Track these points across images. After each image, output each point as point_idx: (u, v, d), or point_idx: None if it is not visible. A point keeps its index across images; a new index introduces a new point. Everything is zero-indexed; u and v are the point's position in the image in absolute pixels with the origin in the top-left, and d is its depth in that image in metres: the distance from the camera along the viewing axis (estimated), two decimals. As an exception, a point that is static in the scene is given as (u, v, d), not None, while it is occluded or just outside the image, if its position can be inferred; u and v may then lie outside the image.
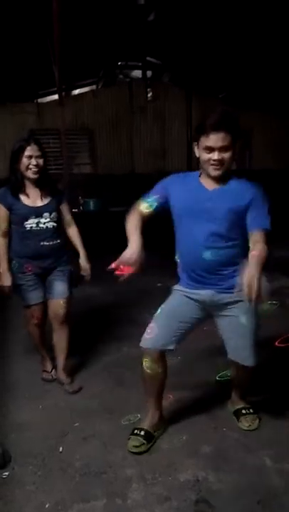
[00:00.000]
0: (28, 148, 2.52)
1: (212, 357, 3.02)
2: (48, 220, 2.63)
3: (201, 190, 2.01)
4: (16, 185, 2.59)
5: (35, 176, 2.56)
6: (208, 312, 2.17)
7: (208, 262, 2.01)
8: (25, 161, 2.52)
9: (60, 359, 2.82)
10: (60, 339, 2.80)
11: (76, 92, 9.92)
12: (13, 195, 2.59)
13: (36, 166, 2.54)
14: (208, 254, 1.99)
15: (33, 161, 2.53)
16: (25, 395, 2.74)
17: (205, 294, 2.07)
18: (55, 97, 7.46)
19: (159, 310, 2.18)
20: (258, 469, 2.01)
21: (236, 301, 2.04)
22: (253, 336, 2.12)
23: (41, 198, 2.63)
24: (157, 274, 4.40)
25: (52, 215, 2.64)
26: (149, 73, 9.42)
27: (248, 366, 2.17)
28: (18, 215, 2.59)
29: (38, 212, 2.60)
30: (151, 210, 2.07)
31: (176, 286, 2.20)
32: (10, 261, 2.66)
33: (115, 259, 1.90)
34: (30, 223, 2.59)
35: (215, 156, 1.89)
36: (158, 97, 9.23)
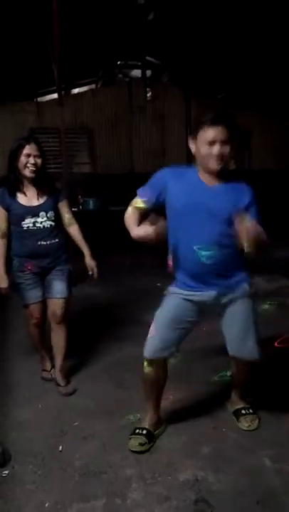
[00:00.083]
0: (28, 146, 2.52)
1: (212, 357, 3.03)
2: (45, 219, 2.62)
3: (202, 187, 1.99)
4: (14, 183, 2.59)
5: (32, 175, 2.56)
6: (207, 312, 2.15)
7: (209, 261, 1.97)
8: (23, 159, 2.52)
9: (58, 359, 2.81)
10: (58, 339, 2.79)
11: (76, 91, 9.91)
12: (11, 195, 2.59)
13: (34, 165, 2.54)
14: (210, 253, 1.96)
15: (32, 160, 2.53)
16: (26, 395, 2.74)
17: (207, 294, 2.04)
18: (55, 96, 7.44)
19: (157, 316, 2.12)
20: (257, 469, 2.02)
21: (237, 298, 2.06)
22: (256, 330, 2.14)
23: (37, 197, 2.62)
24: (157, 274, 4.39)
25: (49, 214, 2.63)
26: (148, 73, 9.42)
27: (251, 362, 2.18)
28: (15, 215, 2.59)
29: (34, 212, 2.59)
30: (146, 207, 2.04)
31: (173, 289, 2.13)
32: (11, 260, 2.67)
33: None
34: (27, 223, 2.59)
35: (216, 148, 1.89)
36: (157, 97, 9.22)
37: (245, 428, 2.30)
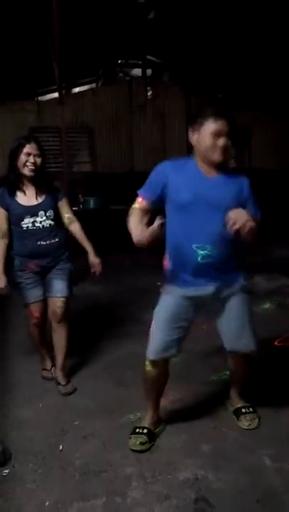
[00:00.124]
0: (28, 145, 2.52)
1: (211, 357, 3.03)
2: (44, 218, 2.62)
3: (201, 177, 1.99)
4: (14, 182, 2.59)
5: (31, 174, 2.56)
6: (203, 309, 2.15)
7: (209, 255, 1.95)
8: (23, 157, 2.53)
9: (59, 358, 2.81)
10: (58, 338, 2.79)
11: (76, 90, 9.90)
12: (11, 195, 2.59)
13: (34, 164, 2.54)
14: (211, 246, 1.95)
15: (31, 159, 2.53)
16: (26, 395, 2.74)
17: (205, 289, 2.03)
18: (55, 95, 7.43)
19: (156, 316, 2.12)
20: (257, 468, 2.02)
21: (235, 293, 2.07)
22: (251, 321, 2.15)
23: (36, 196, 2.62)
24: (157, 273, 4.40)
25: (48, 214, 2.63)
26: (149, 72, 9.41)
27: (248, 355, 2.18)
28: (14, 215, 2.60)
29: (32, 212, 2.59)
30: (149, 206, 2.04)
31: (169, 288, 2.11)
32: (12, 260, 2.67)
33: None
34: (26, 223, 2.59)
35: (222, 141, 1.91)
36: (158, 96, 9.22)
37: (245, 427, 2.31)
